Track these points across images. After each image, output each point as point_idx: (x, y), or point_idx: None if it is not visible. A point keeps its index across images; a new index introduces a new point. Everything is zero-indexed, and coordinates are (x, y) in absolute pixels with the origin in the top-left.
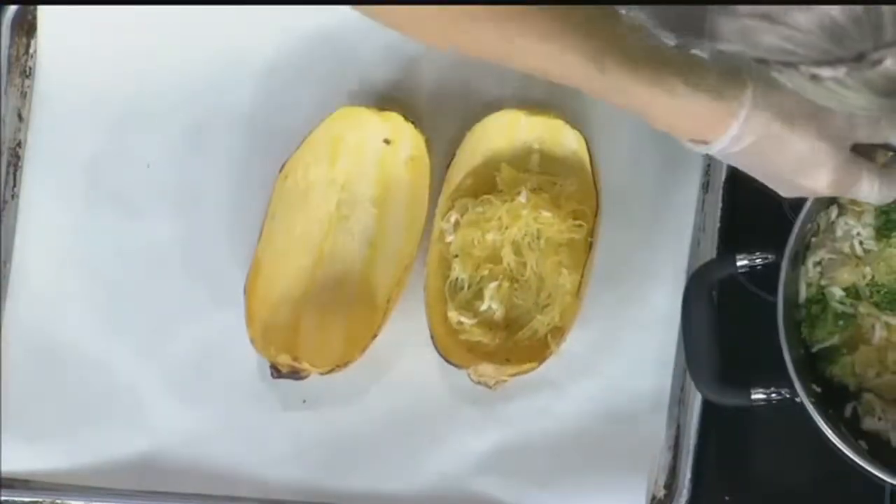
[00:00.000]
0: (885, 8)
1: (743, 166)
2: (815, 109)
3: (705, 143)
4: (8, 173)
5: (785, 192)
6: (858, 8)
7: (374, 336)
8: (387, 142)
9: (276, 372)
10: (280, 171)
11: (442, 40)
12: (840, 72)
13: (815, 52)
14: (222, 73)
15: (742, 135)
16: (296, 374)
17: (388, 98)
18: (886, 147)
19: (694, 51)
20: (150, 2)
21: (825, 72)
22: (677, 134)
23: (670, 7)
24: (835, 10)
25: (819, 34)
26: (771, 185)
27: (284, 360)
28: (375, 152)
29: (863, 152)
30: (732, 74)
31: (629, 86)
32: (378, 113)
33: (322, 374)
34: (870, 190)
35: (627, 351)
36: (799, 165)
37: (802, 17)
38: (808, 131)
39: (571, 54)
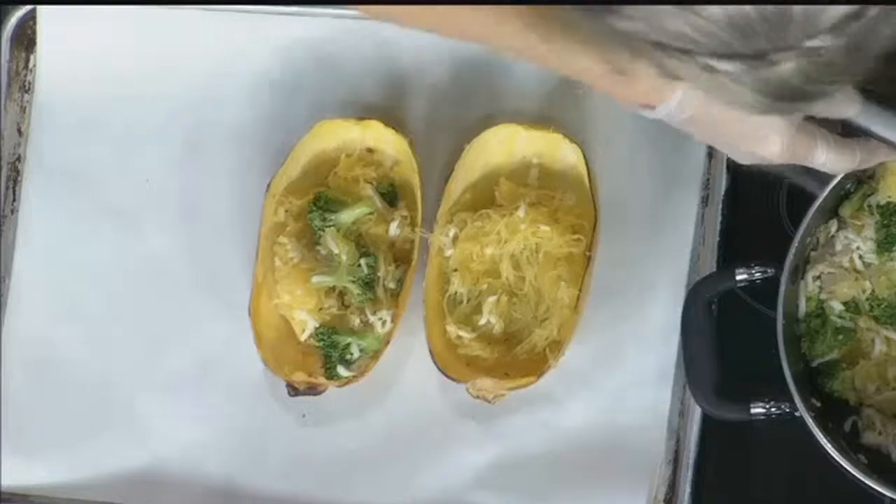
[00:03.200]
0: (796, 9)
1: (694, 133)
2: None
3: (651, 107)
4: (7, 188)
5: (739, 159)
6: (769, 7)
7: (387, 342)
8: (370, 150)
9: (294, 390)
10: (266, 188)
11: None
12: (736, 67)
13: (715, 43)
14: (219, 86)
15: (685, 104)
16: (313, 390)
17: (382, 111)
18: (844, 123)
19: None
20: (151, 2)
21: (722, 65)
22: (621, 99)
23: None
24: (748, 7)
25: (725, 27)
26: (724, 152)
27: (300, 377)
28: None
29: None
30: None
31: (575, 56)
32: (357, 123)
33: (339, 386)
34: (825, 159)
35: (626, 365)
36: (747, 136)
37: (716, 8)
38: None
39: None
